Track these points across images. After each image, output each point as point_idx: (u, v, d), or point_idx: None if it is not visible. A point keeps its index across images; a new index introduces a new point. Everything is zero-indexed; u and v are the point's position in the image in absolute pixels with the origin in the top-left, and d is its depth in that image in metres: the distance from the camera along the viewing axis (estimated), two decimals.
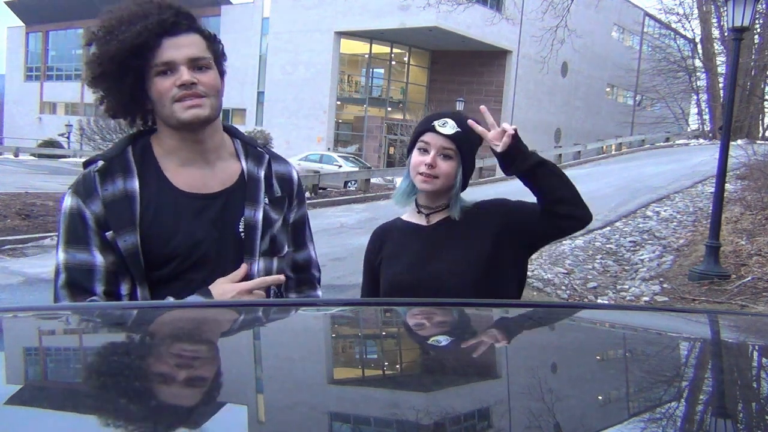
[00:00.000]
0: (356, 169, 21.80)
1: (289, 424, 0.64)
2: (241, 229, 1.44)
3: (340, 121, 33.22)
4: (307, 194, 16.80)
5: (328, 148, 28.93)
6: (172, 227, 1.40)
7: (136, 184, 1.40)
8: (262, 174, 1.50)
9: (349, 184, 19.67)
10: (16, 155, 32.02)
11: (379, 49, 33.09)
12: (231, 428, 0.64)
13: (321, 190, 17.43)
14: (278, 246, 1.52)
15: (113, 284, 1.40)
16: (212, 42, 1.44)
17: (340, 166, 22.42)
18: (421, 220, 1.84)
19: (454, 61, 32.96)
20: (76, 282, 1.39)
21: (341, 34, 30.95)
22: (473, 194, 1.88)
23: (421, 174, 1.74)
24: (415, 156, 1.77)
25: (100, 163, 1.40)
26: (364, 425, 0.67)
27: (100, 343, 0.98)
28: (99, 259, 1.39)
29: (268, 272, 1.49)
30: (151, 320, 1.06)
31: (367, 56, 33.38)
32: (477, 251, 1.75)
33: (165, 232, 1.39)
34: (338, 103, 32.55)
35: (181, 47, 1.37)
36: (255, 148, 1.53)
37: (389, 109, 33.84)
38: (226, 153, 1.50)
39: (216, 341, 0.98)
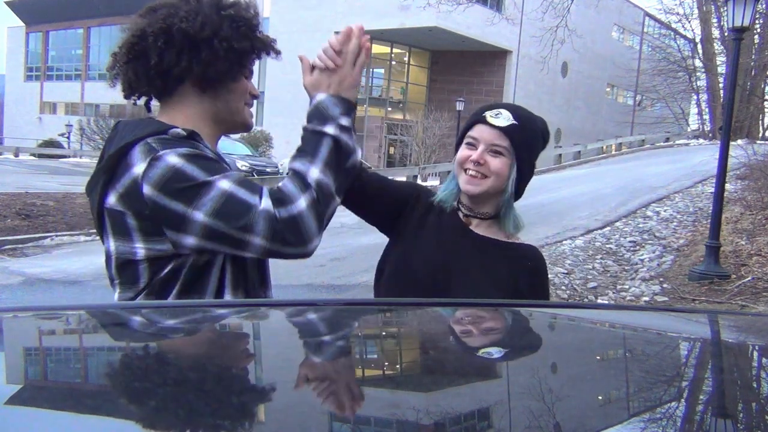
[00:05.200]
0: None
1: (289, 424, 0.64)
2: None
3: None
4: None
5: None
6: None
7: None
8: None
9: None
10: (16, 155, 32.00)
11: (379, 49, 33.07)
12: (231, 428, 0.63)
13: None
14: None
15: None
16: None
17: None
18: (461, 216, 1.56)
19: (454, 61, 32.95)
20: (247, 184, 1.26)
21: None
22: None
23: (466, 172, 1.48)
24: (462, 151, 1.50)
25: (184, 133, 1.33)
26: (364, 425, 0.67)
27: (100, 343, 0.98)
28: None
29: None
30: (150, 320, 1.06)
31: None
32: (503, 293, 1.48)
33: None
34: None
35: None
36: None
37: (389, 109, 33.83)
38: None
39: (215, 341, 0.97)
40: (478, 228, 1.55)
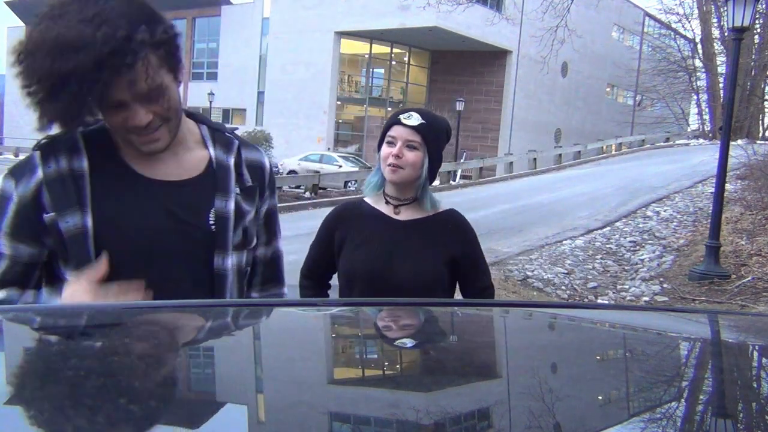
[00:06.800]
0: (356, 169, 21.79)
1: (289, 424, 0.64)
2: (211, 222, 1.30)
3: (340, 121, 33.22)
4: (307, 194, 16.84)
5: (328, 148, 28.92)
6: (131, 213, 1.25)
7: (84, 164, 1.24)
8: (232, 161, 1.36)
9: (349, 184, 19.69)
10: (16, 155, 32.03)
11: (379, 49, 33.08)
12: (231, 428, 0.64)
13: (321, 190, 17.43)
14: (249, 238, 1.39)
15: (22, 278, 1.28)
16: (163, 47, 1.20)
17: (340, 166, 22.42)
18: (389, 211, 1.92)
19: (454, 61, 32.95)
20: None
21: (341, 34, 30.94)
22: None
23: (389, 165, 1.83)
24: (384, 149, 1.86)
25: (44, 141, 1.26)
26: (364, 425, 0.67)
27: (100, 343, 0.98)
28: (6, 251, 1.26)
29: (239, 266, 1.36)
30: (150, 320, 1.06)
31: (367, 56, 33.37)
32: (438, 258, 1.88)
33: (122, 219, 1.24)
34: (338, 103, 32.55)
35: (131, 83, 1.15)
36: (223, 133, 1.39)
37: (389, 109, 33.77)
38: (192, 141, 1.36)
39: (215, 341, 0.98)
40: (404, 212, 1.91)
